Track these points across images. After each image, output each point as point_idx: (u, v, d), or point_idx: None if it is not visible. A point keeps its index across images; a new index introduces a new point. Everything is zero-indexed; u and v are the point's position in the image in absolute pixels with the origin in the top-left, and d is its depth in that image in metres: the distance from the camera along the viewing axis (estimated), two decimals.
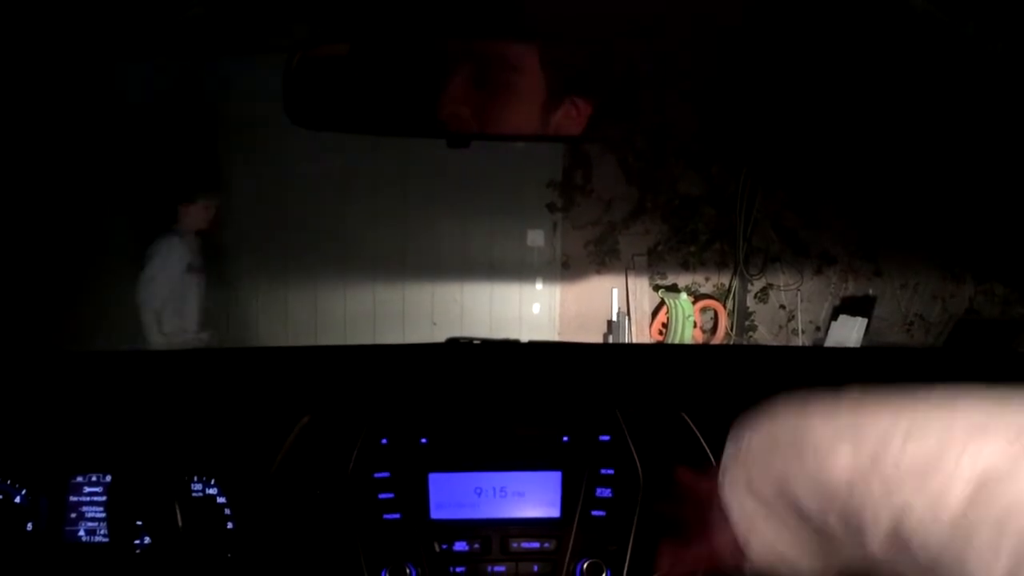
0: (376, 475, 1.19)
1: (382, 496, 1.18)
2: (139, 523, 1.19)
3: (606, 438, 1.23)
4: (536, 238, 5.48)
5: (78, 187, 4.39)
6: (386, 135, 1.08)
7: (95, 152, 4.39)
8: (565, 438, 1.23)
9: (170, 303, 3.81)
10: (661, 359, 1.63)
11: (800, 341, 5.55)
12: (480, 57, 1.01)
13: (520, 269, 5.42)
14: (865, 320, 5.20)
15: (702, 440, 1.23)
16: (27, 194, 4.18)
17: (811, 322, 5.62)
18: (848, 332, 5.20)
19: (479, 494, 1.20)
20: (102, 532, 1.22)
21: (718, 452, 1.23)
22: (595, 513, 1.19)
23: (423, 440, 1.22)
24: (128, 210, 4.49)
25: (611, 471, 1.21)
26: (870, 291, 5.45)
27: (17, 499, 1.21)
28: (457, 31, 0.97)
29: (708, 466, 1.22)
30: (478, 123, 1.04)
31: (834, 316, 5.45)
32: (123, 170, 4.47)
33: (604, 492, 1.20)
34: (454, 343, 1.61)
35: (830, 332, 5.37)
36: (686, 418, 1.26)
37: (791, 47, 3.79)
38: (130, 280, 4.08)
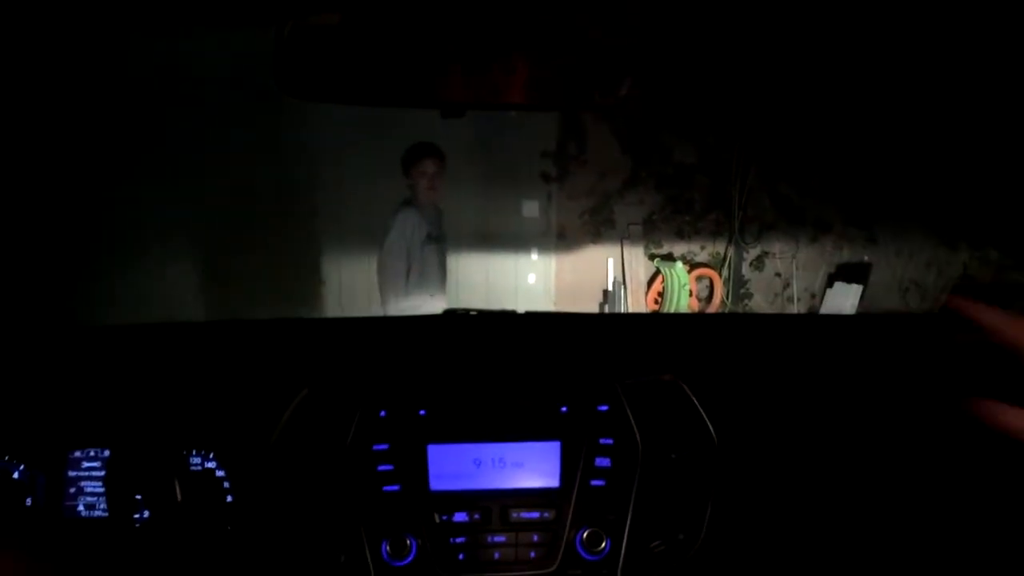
0: (375, 447, 1.19)
1: (381, 468, 1.18)
2: (138, 497, 1.19)
3: (604, 408, 1.23)
4: (531, 209, 5.46)
5: (87, 164, 4.38)
6: (380, 105, 1.07)
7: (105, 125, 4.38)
8: (564, 408, 1.23)
9: (413, 273, 3.82)
10: (658, 328, 1.62)
11: (796, 308, 5.56)
12: (476, 24, 0.99)
13: (515, 240, 5.40)
14: (860, 287, 5.21)
15: (700, 409, 1.23)
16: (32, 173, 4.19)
17: (806, 289, 5.63)
18: (843, 299, 5.21)
19: (478, 465, 1.20)
20: (101, 507, 1.22)
21: (716, 420, 1.23)
22: (594, 483, 1.19)
23: (422, 412, 1.22)
24: (137, 185, 4.49)
25: (610, 441, 1.21)
26: (865, 258, 5.45)
27: (15, 474, 1.21)
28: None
29: (707, 435, 1.23)
30: (473, 92, 1.02)
31: (829, 283, 5.46)
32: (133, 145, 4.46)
33: (603, 462, 1.20)
34: (451, 314, 1.61)
35: (825, 299, 5.38)
36: (684, 387, 1.25)
37: (784, 15, 3.76)
38: (138, 256, 4.12)
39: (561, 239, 5.52)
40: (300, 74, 1.00)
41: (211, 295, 4.86)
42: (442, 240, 3.97)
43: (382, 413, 1.21)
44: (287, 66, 0.99)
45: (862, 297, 5.20)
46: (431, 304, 3.78)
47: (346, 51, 1.00)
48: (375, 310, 3.81)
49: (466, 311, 1.60)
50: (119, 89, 4.38)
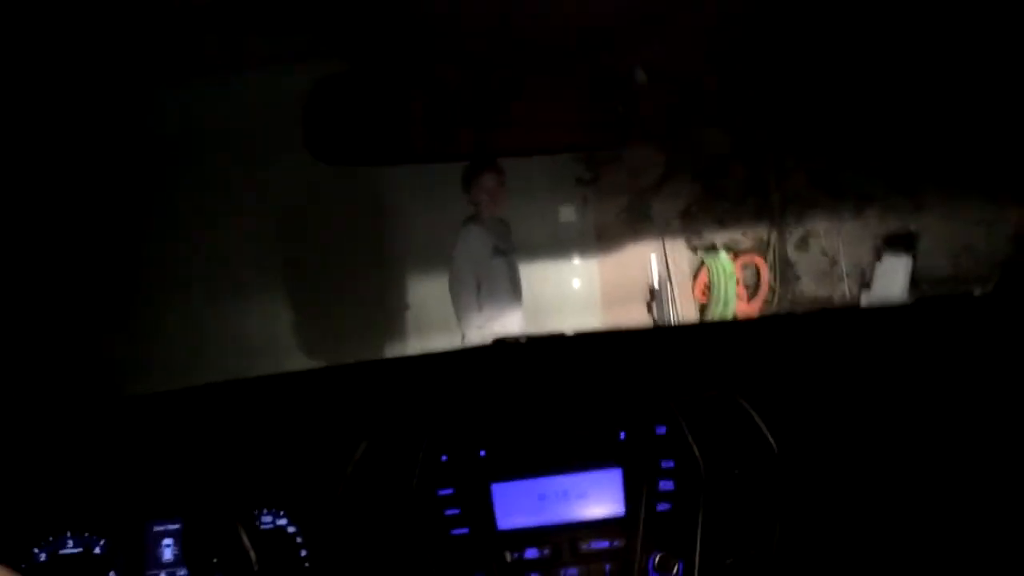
0: (440, 492, 1.20)
1: (448, 512, 1.19)
2: (215, 560, 1.22)
3: (663, 430, 1.23)
4: (568, 213, 5.44)
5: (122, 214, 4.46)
6: (409, 163, 1.08)
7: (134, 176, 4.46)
8: (622, 434, 1.23)
9: (484, 289, 3.78)
10: (710, 339, 1.61)
11: (846, 286, 5.47)
12: (507, 77, 1.00)
13: (555, 246, 5.38)
14: (910, 257, 5.10)
15: (760, 423, 1.22)
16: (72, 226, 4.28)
17: (856, 265, 5.53)
18: (894, 272, 5.11)
19: (543, 499, 1.20)
20: (181, 574, 1.24)
21: (776, 433, 1.22)
22: (660, 507, 1.19)
23: (482, 452, 1.23)
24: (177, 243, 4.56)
25: (671, 463, 1.21)
26: (912, 227, 5.33)
27: (97, 549, 1.24)
28: (483, 58, 0.96)
29: (768, 447, 1.22)
30: (503, 144, 1.03)
31: (878, 256, 5.36)
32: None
33: (667, 485, 1.20)
34: (500, 344, 1.61)
35: (876, 274, 5.28)
36: (740, 400, 1.25)
37: None
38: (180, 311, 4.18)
39: (600, 240, 5.49)
40: (332, 140, 1.02)
41: (288, 335, 4.93)
42: (510, 252, 3.93)
43: (443, 457, 1.22)
44: (319, 132, 1.01)
45: (913, 267, 5.09)
46: (507, 318, 3.74)
47: (372, 113, 1.01)
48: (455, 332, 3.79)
49: (515, 339, 1.60)
50: (172, 130, 4.46)
